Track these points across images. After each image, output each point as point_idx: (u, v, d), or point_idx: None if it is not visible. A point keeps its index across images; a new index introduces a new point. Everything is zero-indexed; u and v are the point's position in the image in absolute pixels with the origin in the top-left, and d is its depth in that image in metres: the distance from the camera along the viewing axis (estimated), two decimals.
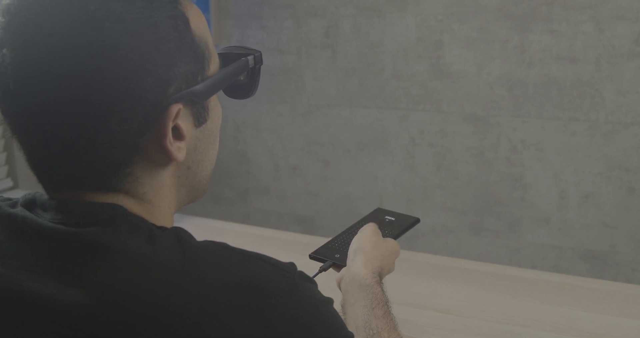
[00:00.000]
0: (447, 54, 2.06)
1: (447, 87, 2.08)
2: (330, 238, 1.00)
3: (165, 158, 0.59)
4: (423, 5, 2.05)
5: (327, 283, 0.81)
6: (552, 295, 1.20)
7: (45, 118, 0.54)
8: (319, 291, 0.61)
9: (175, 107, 0.57)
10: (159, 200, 0.61)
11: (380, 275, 0.87)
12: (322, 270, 0.92)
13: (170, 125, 0.57)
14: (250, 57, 0.68)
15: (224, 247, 0.58)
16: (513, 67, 1.99)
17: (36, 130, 0.55)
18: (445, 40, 2.05)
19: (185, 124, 0.60)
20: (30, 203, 0.59)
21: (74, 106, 0.53)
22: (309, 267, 0.90)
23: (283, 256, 0.62)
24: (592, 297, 1.19)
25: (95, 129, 0.54)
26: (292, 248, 1.39)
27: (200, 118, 0.62)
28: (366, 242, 0.90)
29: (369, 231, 0.93)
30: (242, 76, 0.69)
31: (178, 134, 0.59)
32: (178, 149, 0.59)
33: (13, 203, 0.61)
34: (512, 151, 2.05)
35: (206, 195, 2.50)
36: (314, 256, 0.96)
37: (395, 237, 0.98)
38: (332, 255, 0.95)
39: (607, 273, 2.02)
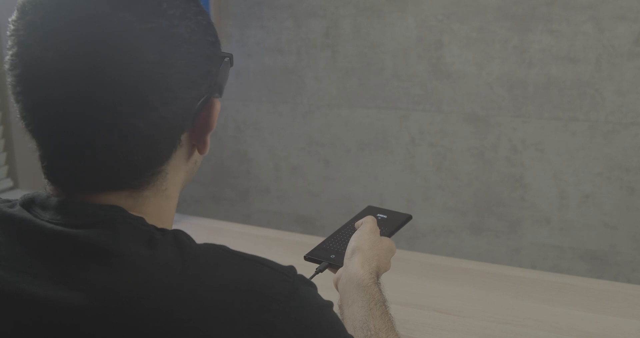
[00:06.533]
0: (447, 54, 2.06)
1: (447, 87, 2.08)
2: (324, 239, 0.99)
3: (191, 151, 0.62)
4: (423, 5, 2.05)
5: (324, 284, 0.81)
6: (552, 295, 1.20)
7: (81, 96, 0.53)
8: (318, 295, 0.61)
9: (217, 102, 0.61)
10: (173, 195, 0.63)
11: (377, 275, 0.86)
12: (318, 271, 0.92)
13: (216, 118, 0.61)
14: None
15: (223, 250, 0.58)
16: (513, 67, 1.99)
17: (65, 116, 0.54)
18: (445, 40, 2.05)
19: None
20: (29, 203, 0.59)
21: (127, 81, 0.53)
22: (308, 268, 0.90)
23: (283, 257, 0.62)
24: (592, 297, 1.19)
25: (148, 113, 0.54)
26: (293, 249, 1.39)
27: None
28: (364, 241, 0.89)
29: (367, 229, 0.92)
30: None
31: None
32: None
33: (12, 204, 0.60)
34: (512, 151, 2.05)
35: (207, 195, 2.48)
36: (309, 258, 0.95)
37: (390, 235, 0.98)
38: (328, 256, 0.94)
39: (607, 273, 2.02)
